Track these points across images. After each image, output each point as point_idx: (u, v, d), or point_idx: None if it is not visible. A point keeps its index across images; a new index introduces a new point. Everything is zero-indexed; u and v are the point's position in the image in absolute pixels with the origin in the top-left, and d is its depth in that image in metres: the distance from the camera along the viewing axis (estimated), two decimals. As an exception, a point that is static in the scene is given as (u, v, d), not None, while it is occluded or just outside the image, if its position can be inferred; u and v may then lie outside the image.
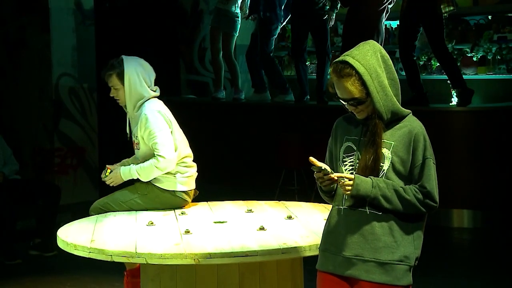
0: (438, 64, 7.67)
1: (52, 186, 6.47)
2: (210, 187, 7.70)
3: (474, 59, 7.57)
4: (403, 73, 7.84)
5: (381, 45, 7.19)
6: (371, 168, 2.62)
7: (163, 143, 3.97)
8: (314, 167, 2.62)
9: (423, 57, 8.02)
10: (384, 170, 2.63)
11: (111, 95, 4.12)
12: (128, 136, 4.21)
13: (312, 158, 2.62)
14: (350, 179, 2.60)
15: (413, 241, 2.67)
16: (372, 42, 2.70)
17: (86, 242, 3.11)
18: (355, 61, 2.61)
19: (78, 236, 3.24)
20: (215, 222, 3.49)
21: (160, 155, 3.96)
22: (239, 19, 8.08)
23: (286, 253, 2.94)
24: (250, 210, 3.76)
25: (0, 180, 5.98)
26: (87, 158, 7.88)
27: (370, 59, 2.62)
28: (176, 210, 3.84)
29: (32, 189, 6.17)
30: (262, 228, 3.26)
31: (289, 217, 3.51)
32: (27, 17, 7.71)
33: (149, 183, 4.07)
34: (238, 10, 8.07)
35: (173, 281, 3.21)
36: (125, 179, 4.07)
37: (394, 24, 8.12)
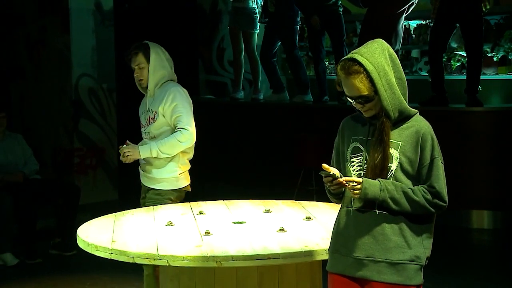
0: (458, 64, 7.62)
1: (72, 186, 6.51)
2: (228, 187, 7.76)
3: (495, 59, 7.50)
4: (422, 73, 7.81)
5: (399, 46, 7.20)
6: (380, 167, 2.61)
7: (188, 117, 4.11)
8: (323, 172, 2.62)
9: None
10: (392, 170, 2.63)
11: (135, 75, 4.19)
12: (143, 115, 4.25)
13: (325, 165, 2.63)
14: (358, 183, 2.60)
15: (423, 240, 2.66)
16: (380, 40, 2.70)
17: (107, 242, 3.12)
18: (363, 58, 2.61)
19: (98, 236, 3.25)
20: (234, 223, 3.49)
21: (183, 128, 4.07)
22: (258, 15, 8.07)
23: (308, 256, 2.94)
24: (268, 210, 3.75)
25: (21, 179, 6.03)
26: (106, 158, 7.92)
27: (378, 57, 2.62)
28: (193, 210, 3.85)
29: (52, 189, 6.21)
30: (282, 230, 3.25)
31: (308, 218, 3.51)
32: (47, 18, 7.77)
33: (158, 191, 4.14)
34: (255, 5, 8.06)
35: (192, 281, 3.22)
36: (142, 156, 4.14)
37: (413, 23, 8.07)
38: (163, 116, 4.12)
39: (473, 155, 6.71)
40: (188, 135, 4.09)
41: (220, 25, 9.20)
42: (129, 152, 4.14)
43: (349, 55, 2.65)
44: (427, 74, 7.75)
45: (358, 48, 2.67)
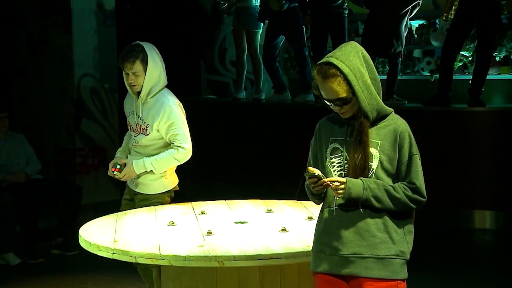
0: (460, 64, 7.62)
1: (74, 186, 6.52)
2: (230, 187, 7.75)
3: (497, 59, 7.50)
4: (424, 73, 7.80)
5: (401, 48, 7.16)
6: (361, 167, 2.66)
7: (185, 134, 4.05)
8: (307, 173, 2.66)
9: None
10: (373, 169, 2.67)
11: (129, 81, 4.02)
12: (131, 117, 4.17)
13: (310, 167, 2.68)
14: (341, 183, 2.64)
15: (406, 236, 2.72)
16: (353, 43, 2.75)
17: (109, 242, 3.12)
18: (339, 62, 2.65)
19: (100, 236, 3.26)
20: (236, 223, 3.49)
21: (181, 146, 4.03)
22: None
23: (310, 256, 2.94)
24: (270, 210, 3.76)
25: (23, 179, 6.04)
26: (108, 158, 7.91)
27: (353, 59, 2.67)
28: (195, 210, 3.85)
29: (53, 189, 6.21)
30: (284, 230, 3.25)
31: (310, 218, 3.51)
32: (49, 18, 7.77)
33: (147, 197, 4.11)
34: (258, 4, 8.03)
35: (194, 281, 3.22)
36: (138, 173, 4.07)
37: (415, 23, 8.07)
38: (158, 131, 4.05)
39: (475, 155, 6.71)
40: (185, 154, 4.05)
41: (222, 25, 9.19)
42: (125, 176, 4.09)
43: (324, 59, 2.69)
44: (429, 74, 7.75)
45: (333, 52, 2.72)
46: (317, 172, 2.66)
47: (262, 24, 8.04)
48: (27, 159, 6.26)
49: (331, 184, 2.65)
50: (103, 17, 7.85)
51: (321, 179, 2.65)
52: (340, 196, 2.66)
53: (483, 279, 5.31)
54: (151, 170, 4.06)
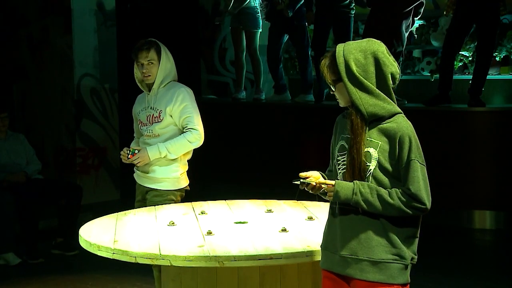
0: (460, 64, 7.62)
1: (74, 186, 6.52)
2: (230, 187, 7.76)
3: (497, 59, 7.51)
4: (425, 73, 7.80)
5: (402, 48, 7.16)
6: (355, 168, 2.63)
7: (197, 117, 4.15)
8: (295, 180, 2.67)
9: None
10: (370, 169, 2.64)
11: (143, 70, 4.15)
12: (142, 113, 4.23)
13: (301, 173, 2.70)
14: (331, 185, 2.63)
15: (407, 240, 2.66)
16: (372, 41, 2.70)
17: (109, 242, 3.12)
18: (341, 49, 2.67)
19: (100, 236, 3.26)
20: (236, 223, 3.50)
21: (194, 128, 4.11)
22: (260, 14, 8.04)
23: (310, 256, 2.95)
24: (270, 210, 3.76)
25: (23, 179, 6.04)
26: (108, 158, 7.93)
27: (355, 53, 2.65)
28: (195, 210, 3.85)
29: (54, 189, 6.21)
30: (284, 230, 3.26)
31: (310, 218, 3.51)
32: (49, 18, 7.78)
33: (159, 192, 4.14)
34: (257, 5, 8.02)
35: (194, 281, 3.22)
36: (152, 159, 4.13)
37: (415, 23, 8.06)
38: (171, 116, 4.13)
39: (475, 155, 6.71)
40: (198, 136, 4.12)
41: (222, 25, 9.20)
42: (139, 159, 4.14)
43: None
44: (429, 74, 7.75)
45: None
46: (310, 175, 2.67)
47: (261, 23, 8.04)
48: (28, 159, 6.26)
49: (324, 186, 2.64)
50: (103, 17, 7.86)
51: (309, 184, 2.66)
52: (330, 199, 2.67)
53: (483, 279, 5.31)
54: (165, 156, 4.11)
